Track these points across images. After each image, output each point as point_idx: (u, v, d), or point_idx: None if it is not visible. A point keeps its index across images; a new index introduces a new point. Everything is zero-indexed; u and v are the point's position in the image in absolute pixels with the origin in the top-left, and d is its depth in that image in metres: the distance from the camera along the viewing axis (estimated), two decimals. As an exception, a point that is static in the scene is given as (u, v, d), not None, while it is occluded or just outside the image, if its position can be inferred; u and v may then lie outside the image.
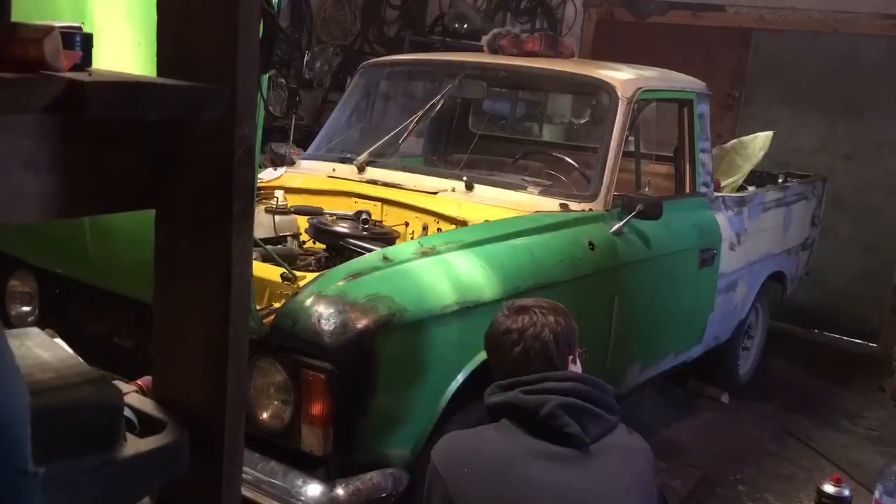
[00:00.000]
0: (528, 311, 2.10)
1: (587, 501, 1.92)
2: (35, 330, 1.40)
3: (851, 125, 6.15)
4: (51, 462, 1.09)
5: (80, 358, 1.33)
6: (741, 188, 4.82)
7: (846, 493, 2.72)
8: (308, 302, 2.29)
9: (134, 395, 1.42)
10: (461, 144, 4.30)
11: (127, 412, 1.31)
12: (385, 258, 2.50)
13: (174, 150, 1.27)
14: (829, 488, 2.72)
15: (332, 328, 2.23)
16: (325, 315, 2.25)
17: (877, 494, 2.68)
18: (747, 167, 4.77)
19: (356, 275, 2.40)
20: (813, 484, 3.24)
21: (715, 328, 4.09)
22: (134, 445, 1.26)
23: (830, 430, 4.46)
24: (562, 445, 1.93)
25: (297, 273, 2.48)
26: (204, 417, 1.34)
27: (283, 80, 6.63)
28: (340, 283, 2.36)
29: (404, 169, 3.59)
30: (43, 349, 1.32)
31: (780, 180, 5.25)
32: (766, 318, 4.98)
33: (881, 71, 5.98)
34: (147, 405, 1.38)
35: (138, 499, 1.34)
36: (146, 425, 1.34)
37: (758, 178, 5.16)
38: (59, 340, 1.39)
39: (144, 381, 1.54)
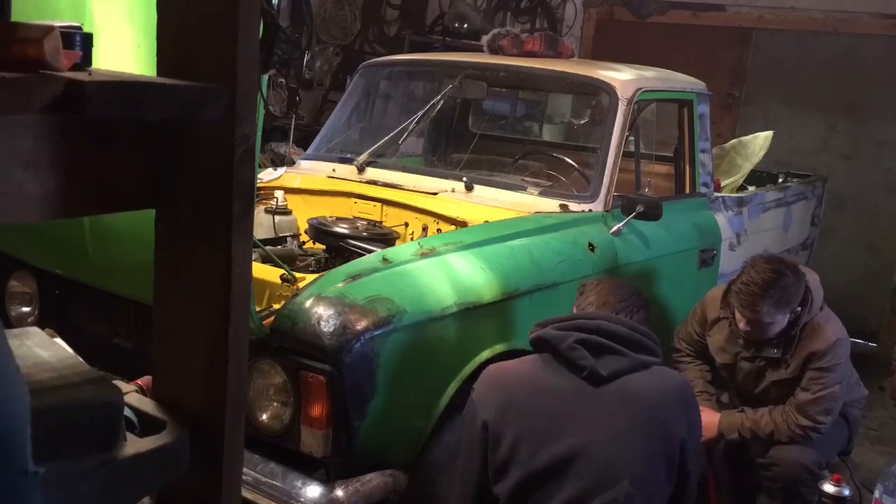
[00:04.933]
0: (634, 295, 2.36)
1: (583, 437, 2.06)
2: (35, 330, 1.40)
3: (851, 125, 6.15)
4: (51, 462, 1.08)
5: (80, 358, 1.33)
6: (741, 188, 4.81)
7: (846, 493, 2.71)
8: (308, 303, 2.29)
9: (134, 395, 1.42)
10: (461, 144, 4.29)
11: (127, 412, 1.31)
12: (385, 259, 2.50)
13: (174, 150, 1.27)
14: (829, 488, 2.72)
15: (331, 330, 2.23)
16: (324, 317, 2.25)
17: (877, 494, 2.67)
18: (747, 167, 4.77)
19: (356, 276, 2.40)
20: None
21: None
22: (134, 445, 1.26)
23: (830, 430, 4.45)
24: (581, 378, 2.11)
25: (297, 274, 2.48)
26: (204, 417, 1.34)
27: (283, 80, 6.63)
28: (340, 285, 2.35)
29: (404, 169, 3.58)
30: (43, 349, 1.32)
31: (780, 180, 5.25)
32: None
33: (881, 71, 5.98)
34: (147, 405, 1.38)
35: (138, 499, 1.34)
36: (146, 425, 1.34)
37: (758, 177, 5.15)
38: (59, 340, 1.39)
39: (144, 381, 1.54)
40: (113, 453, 1.21)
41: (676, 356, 3.26)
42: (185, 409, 1.35)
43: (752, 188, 4.95)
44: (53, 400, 1.17)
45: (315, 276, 2.48)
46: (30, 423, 0.94)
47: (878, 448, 4.28)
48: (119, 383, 1.38)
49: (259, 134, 1.66)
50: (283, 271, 2.46)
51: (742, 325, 2.88)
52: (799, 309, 2.87)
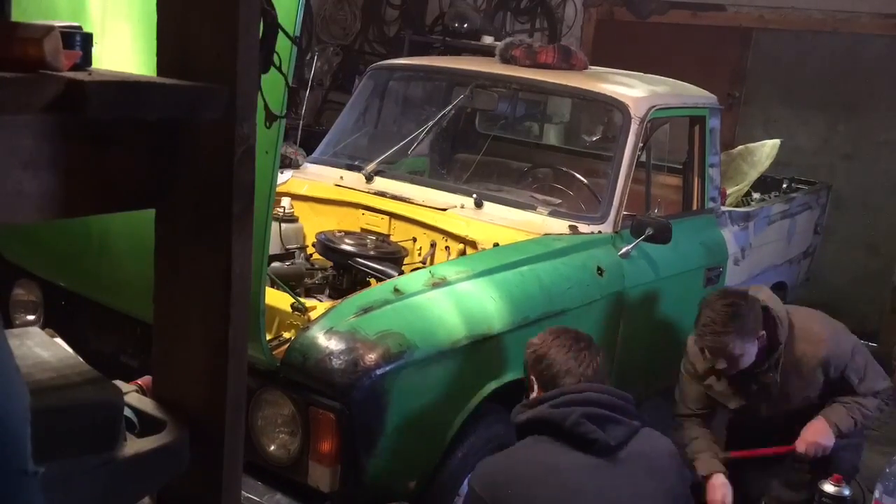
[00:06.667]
0: (586, 347, 2.31)
1: None
2: (35, 330, 1.40)
3: (851, 125, 6.15)
4: (51, 462, 1.09)
5: (80, 358, 1.33)
6: (746, 194, 4.80)
7: (846, 492, 2.71)
8: (319, 338, 2.27)
9: (134, 395, 1.42)
10: (468, 151, 4.24)
11: (127, 412, 1.31)
12: (396, 290, 2.48)
13: (174, 150, 1.27)
14: (829, 488, 2.72)
15: (342, 367, 2.21)
16: (335, 352, 2.23)
17: (877, 494, 2.67)
18: (753, 174, 4.74)
19: (367, 309, 2.38)
20: (813, 483, 3.24)
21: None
22: (134, 445, 1.26)
23: (830, 430, 4.45)
24: (589, 452, 2.10)
25: (307, 303, 2.46)
26: (204, 417, 1.34)
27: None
28: (351, 318, 2.33)
29: (412, 180, 3.53)
30: (43, 349, 1.32)
31: (784, 185, 5.21)
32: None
33: (881, 71, 5.98)
34: (147, 405, 1.38)
35: (138, 499, 1.34)
36: (146, 425, 1.34)
37: (762, 183, 5.10)
38: (59, 340, 1.39)
39: (144, 380, 1.54)
40: (113, 453, 1.21)
41: (680, 420, 3.17)
42: (185, 409, 1.35)
43: (756, 195, 4.93)
44: (53, 400, 1.17)
45: (325, 305, 2.47)
46: (30, 422, 0.94)
47: (879, 448, 4.27)
48: (119, 383, 1.38)
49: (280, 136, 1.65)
50: (292, 300, 2.44)
51: (718, 364, 2.85)
52: (763, 333, 2.85)
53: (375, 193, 3.42)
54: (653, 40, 6.58)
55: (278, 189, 3.40)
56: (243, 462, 1.41)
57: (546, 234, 3.11)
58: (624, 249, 3.15)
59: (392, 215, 3.29)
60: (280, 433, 2.33)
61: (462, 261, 2.85)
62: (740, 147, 5.03)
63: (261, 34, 1.29)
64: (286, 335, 2.39)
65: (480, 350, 2.50)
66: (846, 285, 6.13)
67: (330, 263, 3.03)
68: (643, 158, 3.43)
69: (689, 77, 4.20)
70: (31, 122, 1.09)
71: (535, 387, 2.30)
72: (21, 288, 2.92)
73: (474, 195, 3.32)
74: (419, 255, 3.20)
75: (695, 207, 3.77)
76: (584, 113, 5.18)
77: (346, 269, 2.92)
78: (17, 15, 1.37)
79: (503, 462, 2.18)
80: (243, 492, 2.10)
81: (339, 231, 3.12)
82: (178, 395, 1.37)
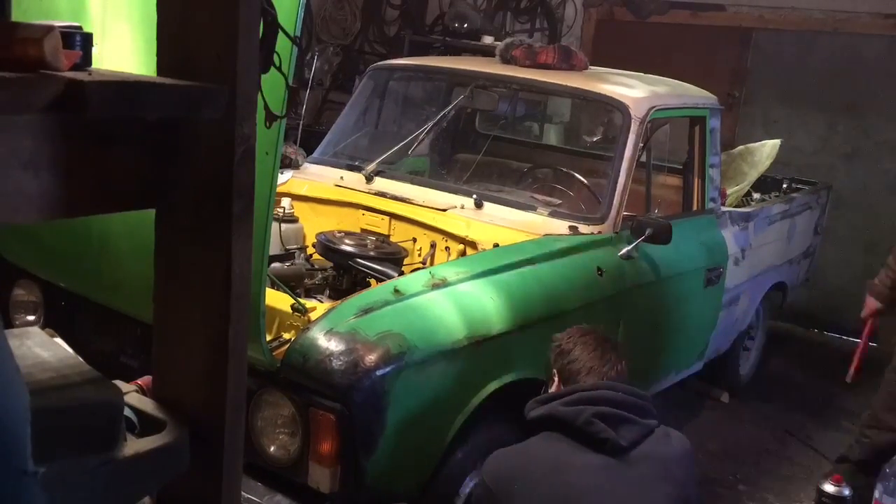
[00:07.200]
0: (612, 349, 2.30)
1: None
2: (35, 330, 1.40)
3: (851, 125, 6.15)
4: (51, 462, 1.09)
5: (80, 358, 1.33)
6: (746, 194, 4.80)
7: (846, 493, 2.72)
8: (319, 339, 2.27)
9: (134, 395, 1.42)
10: (468, 149, 4.24)
11: (127, 412, 1.31)
12: (396, 291, 2.48)
13: (174, 150, 1.27)
14: (829, 488, 2.72)
15: (343, 368, 2.21)
16: (335, 353, 2.23)
17: (877, 494, 2.67)
18: (753, 175, 4.74)
19: (367, 310, 2.38)
20: (813, 484, 3.24)
21: (716, 343, 4.05)
22: (134, 445, 1.26)
23: (830, 430, 4.45)
24: (600, 452, 2.09)
25: (307, 304, 2.46)
26: (204, 417, 1.34)
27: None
28: (352, 319, 2.34)
29: (412, 181, 3.53)
30: (43, 349, 1.32)
31: (784, 185, 5.21)
32: (766, 320, 4.97)
33: (881, 71, 5.98)
34: (147, 405, 1.38)
35: (138, 498, 1.34)
36: (146, 425, 1.34)
37: (762, 183, 5.11)
38: (59, 340, 1.39)
39: (144, 381, 1.54)
40: (113, 453, 1.22)
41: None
42: (185, 409, 1.35)
43: (756, 195, 4.93)
44: (53, 400, 1.17)
45: (325, 306, 2.47)
46: (30, 422, 0.94)
47: (879, 448, 4.27)
48: (119, 383, 1.38)
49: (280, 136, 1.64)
50: (292, 301, 2.44)
51: None
52: None
53: (375, 194, 3.42)
54: (653, 40, 6.58)
55: (278, 189, 3.39)
56: (243, 463, 1.41)
57: (546, 235, 3.11)
58: (624, 250, 3.14)
59: (392, 216, 3.28)
60: (280, 434, 2.33)
61: (462, 261, 2.84)
62: (740, 147, 5.02)
63: (261, 34, 1.29)
64: (286, 336, 2.39)
65: (480, 351, 2.50)
66: (846, 285, 6.13)
67: (330, 264, 3.03)
68: (643, 159, 3.42)
69: (689, 77, 4.20)
70: (31, 122, 1.09)
71: (556, 381, 2.28)
72: (21, 288, 2.92)
73: (474, 195, 3.31)
74: (419, 255, 3.20)
75: (695, 208, 3.77)
76: (585, 113, 5.18)
77: (346, 270, 2.92)
78: (17, 15, 1.38)
79: (514, 456, 2.17)
80: (243, 493, 2.11)
81: (340, 231, 3.12)
82: (178, 395, 1.37)
